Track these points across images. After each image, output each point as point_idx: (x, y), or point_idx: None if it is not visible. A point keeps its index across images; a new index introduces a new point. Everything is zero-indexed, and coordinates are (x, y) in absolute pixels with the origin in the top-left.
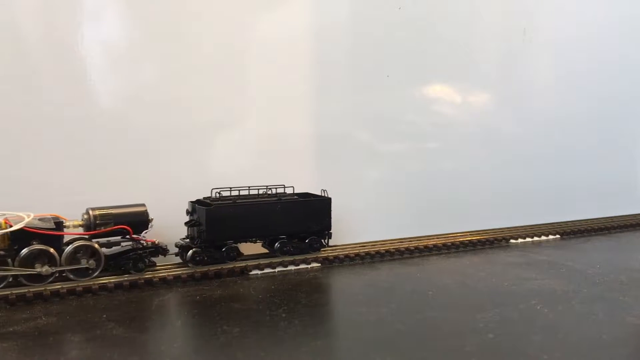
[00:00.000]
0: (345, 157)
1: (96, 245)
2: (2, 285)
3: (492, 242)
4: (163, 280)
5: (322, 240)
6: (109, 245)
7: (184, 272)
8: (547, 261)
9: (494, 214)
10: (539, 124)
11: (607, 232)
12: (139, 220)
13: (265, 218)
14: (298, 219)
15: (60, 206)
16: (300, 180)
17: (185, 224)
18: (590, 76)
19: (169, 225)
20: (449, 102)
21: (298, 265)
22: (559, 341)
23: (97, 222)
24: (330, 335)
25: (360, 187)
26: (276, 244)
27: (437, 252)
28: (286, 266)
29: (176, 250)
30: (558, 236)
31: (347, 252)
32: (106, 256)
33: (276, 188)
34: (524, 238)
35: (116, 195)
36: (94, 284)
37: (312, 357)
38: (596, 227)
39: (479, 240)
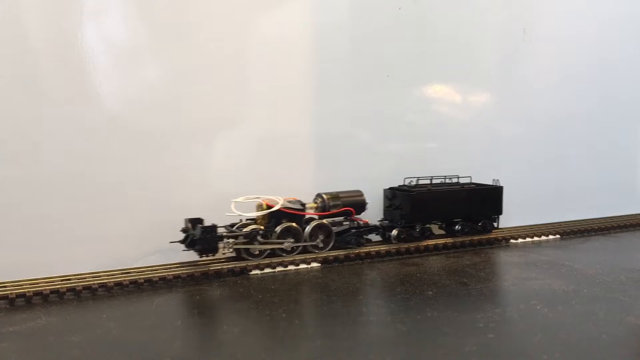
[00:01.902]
0: (344, 156)
1: (327, 223)
2: (264, 256)
3: (492, 242)
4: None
5: (493, 223)
6: (333, 224)
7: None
8: (547, 261)
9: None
10: (539, 124)
11: (607, 232)
12: (359, 204)
13: (451, 203)
14: (476, 205)
15: None
16: (300, 178)
17: (386, 207)
18: (591, 76)
19: None
20: (449, 102)
21: (298, 265)
22: (559, 341)
23: (330, 204)
24: (329, 336)
25: (360, 187)
26: (457, 226)
27: (437, 252)
28: (286, 266)
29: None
30: (558, 236)
31: (347, 252)
32: (335, 233)
33: (455, 178)
34: (524, 238)
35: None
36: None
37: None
38: (596, 227)
39: (479, 241)
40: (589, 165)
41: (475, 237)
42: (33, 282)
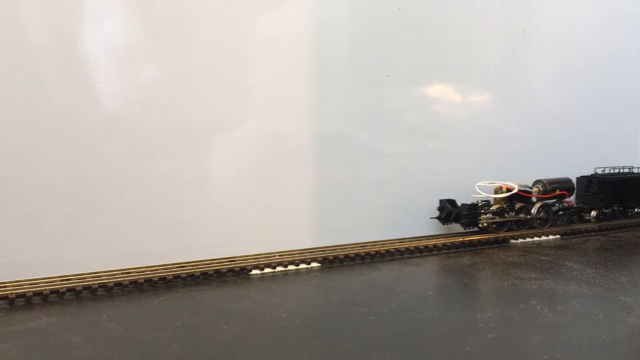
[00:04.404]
0: (344, 156)
1: (549, 204)
2: (505, 229)
3: (492, 242)
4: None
5: None
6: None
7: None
8: (547, 261)
9: None
10: (539, 124)
11: (606, 232)
12: (570, 188)
13: (635, 189)
14: None
15: None
16: (300, 178)
17: (583, 193)
18: (591, 75)
19: None
20: (449, 102)
21: (298, 265)
22: (559, 341)
23: (550, 189)
24: (330, 335)
25: (359, 187)
26: (636, 209)
27: (437, 252)
28: (286, 266)
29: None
30: (558, 236)
31: (347, 252)
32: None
33: (628, 168)
34: (524, 238)
35: None
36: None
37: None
38: (596, 227)
39: (479, 241)
40: (588, 165)
41: (476, 237)
42: (33, 282)
